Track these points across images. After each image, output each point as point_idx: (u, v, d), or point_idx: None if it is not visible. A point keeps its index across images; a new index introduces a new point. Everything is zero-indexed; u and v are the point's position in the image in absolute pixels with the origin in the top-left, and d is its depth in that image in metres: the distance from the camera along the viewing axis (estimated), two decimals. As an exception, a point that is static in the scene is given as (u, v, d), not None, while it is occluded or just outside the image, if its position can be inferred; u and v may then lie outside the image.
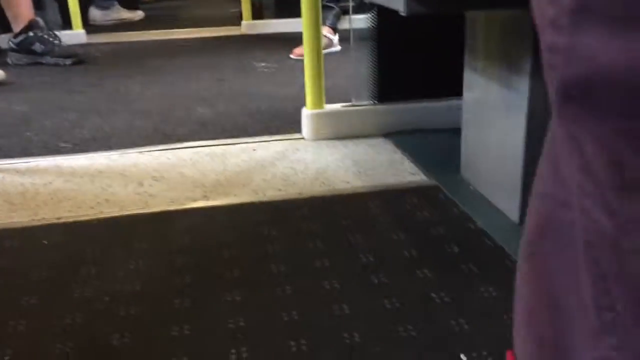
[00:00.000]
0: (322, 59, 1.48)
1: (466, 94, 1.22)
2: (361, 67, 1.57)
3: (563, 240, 0.38)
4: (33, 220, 1.11)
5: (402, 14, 0.91)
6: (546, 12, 0.31)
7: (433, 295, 0.85)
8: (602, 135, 0.30)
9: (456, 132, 1.27)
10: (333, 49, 2.54)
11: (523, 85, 1.01)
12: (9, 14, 2.41)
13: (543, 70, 0.33)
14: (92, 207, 1.15)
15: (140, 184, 1.26)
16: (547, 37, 0.31)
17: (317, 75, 1.48)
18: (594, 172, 0.30)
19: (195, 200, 1.18)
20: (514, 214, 1.06)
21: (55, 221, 1.10)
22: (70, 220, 1.10)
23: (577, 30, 0.29)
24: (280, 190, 1.22)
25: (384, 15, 1.48)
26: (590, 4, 0.28)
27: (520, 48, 1.01)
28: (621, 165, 0.29)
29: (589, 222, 0.32)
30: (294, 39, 2.53)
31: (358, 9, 1.64)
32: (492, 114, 1.12)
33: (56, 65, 2.42)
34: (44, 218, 1.11)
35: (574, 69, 0.30)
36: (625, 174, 0.29)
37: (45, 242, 1.03)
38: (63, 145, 1.50)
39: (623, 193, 0.29)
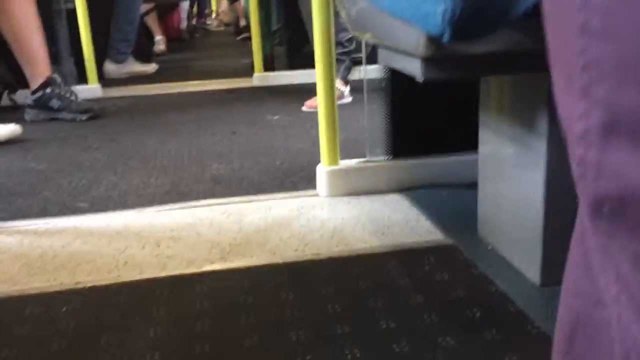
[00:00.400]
0: (336, 116, 1.49)
1: (482, 148, 1.23)
2: (374, 119, 1.59)
3: (598, 340, 0.37)
4: (52, 285, 1.11)
5: (419, 80, 0.92)
6: (575, 126, 0.31)
7: (457, 365, 0.84)
8: (635, 252, 0.29)
9: (473, 187, 1.27)
10: (344, 101, 2.57)
11: (540, 144, 1.01)
12: (26, 71, 2.47)
13: (571, 169, 0.33)
14: (110, 271, 1.15)
15: (158, 245, 1.26)
16: (576, 151, 0.32)
17: (332, 131, 1.50)
18: (631, 288, 0.30)
19: (212, 262, 1.18)
20: (534, 276, 1.05)
21: (74, 286, 1.10)
22: (89, 285, 1.10)
23: (607, 147, 0.29)
24: (296, 250, 1.22)
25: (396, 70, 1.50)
26: (620, 120, 0.29)
27: (535, 108, 1.02)
28: None
29: (627, 335, 0.31)
30: (306, 91, 2.57)
31: (370, 60, 1.66)
32: (508, 170, 1.12)
33: (72, 120, 2.46)
34: (62, 283, 1.11)
35: (605, 185, 0.30)
36: None
37: (65, 309, 1.03)
38: (81, 204, 1.51)
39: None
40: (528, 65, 0.92)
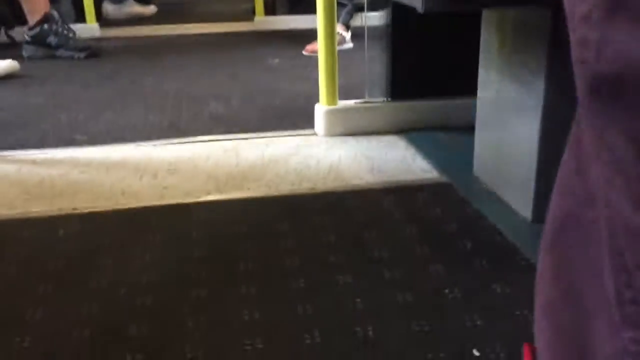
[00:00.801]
0: (336, 56, 1.48)
1: (480, 92, 1.23)
2: (374, 64, 1.58)
3: (585, 237, 0.38)
4: (50, 210, 1.12)
5: (420, 11, 0.91)
6: (578, 6, 0.31)
7: (446, 291, 0.86)
8: (631, 129, 0.30)
9: (470, 130, 1.27)
10: (345, 46, 2.54)
11: (538, 84, 1.01)
12: (25, 7, 2.43)
13: (571, 65, 0.33)
14: (108, 199, 1.17)
15: (155, 177, 1.27)
16: (578, 32, 0.32)
17: (331, 72, 1.49)
18: (623, 165, 0.31)
19: (209, 193, 1.19)
20: (527, 212, 1.06)
21: (72, 212, 1.12)
22: (87, 211, 1.12)
23: (610, 26, 0.30)
24: (293, 184, 1.23)
25: (399, 12, 1.48)
26: (623, 0, 0.29)
27: (535, 47, 1.01)
28: None
29: (615, 214, 0.32)
30: (307, 36, 2.53)
31: (372, 6, 1.64)
32: (506, 113, 1.13)
33: (70, 58, 2.44)
34: (60, 208, 1.13)
35: (605, 64, 0.30)
36: None
37: (62, 232, 1.04)
38: (79, 137, 1.51)
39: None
40: (530, -2, 0.91)
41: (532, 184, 1.05)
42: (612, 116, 0.31)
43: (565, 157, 0.41)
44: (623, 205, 0.31)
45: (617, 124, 0.31)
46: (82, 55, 2.45)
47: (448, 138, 1.45)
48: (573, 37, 0.32)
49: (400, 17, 1.49)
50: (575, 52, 0.32)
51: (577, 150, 0.38)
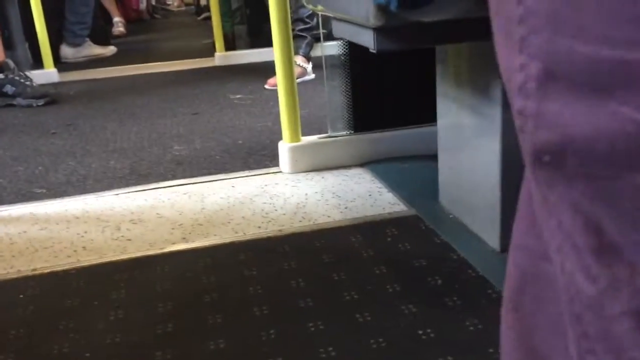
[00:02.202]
0: (296, 93, 1.48)
1: (440, 120, 1.23)
2: (335, 95, 1.58)
3: (545, 294, 0.37)
4: (9, 272, 1.08)
5: (372, 51, 0.91)
6: (514, 77, 0.31)
7: (419, 332, 0.85)
8: (577, 199, 0.29)
9: (433, 158, 1.27)
10: (307, 77, 2.55)
11: (495, 112, 1.02)
12: (-22, 57, 2.39)
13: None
14: (69, 256, 1.13)
15: (118, 229, 1.24)
16: (516, 102, 0.31)
17: (293, 108, 1.48)
18: (572, 236, 0.30)
19: (174, 243, 1.16)
20: (494, 242, 1.06)
21: (32, 273, 1.08)
22: (47, 271, 1.08)
23: (545, 97, 0.29)
24: (260, 227, 1.21)
25: (355, 43, 1.49)
26: (557, 71, 0.29)
27: (489, 77, 1.02)
28: (599, 230, 0.29)
29: (571, 283, 0.32)
30: (268, 69, 2.54)
31: (330, 36, 1.65)
32: (466, 140, 1.13)
33: (29, 106, 2.39)
34: (19, 270, 1.09)
35: (544, 135, 0.30)
36: (603, 238, 0.29)
37: (22, 295, 1.01)
38: (37, 191, 1.47)
39: (603, 257, 0.29)
40: (481, 33, 0.92)
41: (497, 213, 1.05)
42: (557, 186, 0.30)
43: (518, 213, 0.41)
44: (577, 276, 0.31)
45: (562, 194, 0.30)
46: (40, 102, 2.41)
47: (413, 168, 1.45)
48: (512, 106, 0.32)
49: (357, 47, 1.50)
50: (516, 121, 0.32)
51: (529, 207, 0.37)
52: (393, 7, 0.70)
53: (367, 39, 0.92)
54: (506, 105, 1.00)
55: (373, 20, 0.83)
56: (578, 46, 0.27)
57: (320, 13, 1.15)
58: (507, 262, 0.42)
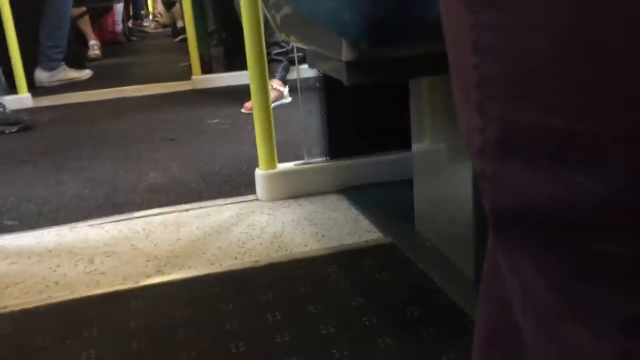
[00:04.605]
0: (272, 120, 1.48)
1: (415, 146, 1.24)
2: (311, 120, 1.58)
3: (515, 347, 0.37)
4: (-23, 311, 1.06)
5: (346, 84, 0.92)
6: (473, 139, 0.31)
7: (395, 366, 0.84)
8: (537, 263, 0.30)
9: (411, 184, 1.28)
10: (284, 101, 2.56)
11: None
12: (-50, 84, 2.36)
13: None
14: (40, 292, 1.11)
15: (91, 262, 1.22)
16: (475, 163, 0.32)
17: (269, 135, 1.48)
18: (535, 298, 0.30)
19: (149, 276, 1.15)
20: (469, 269, 1.06)
21: (2, 310, 1.05)
22: (17, 308, 1.06)
23: (503, 161, 0.30)
24: (236, 258, 1.20)
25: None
26: (514, 137, 0.29)
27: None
28: (562, 292, 0.29)
29: (534, 343, 0.32)
30: (245, 92, 2.53)
31: (305, 60, 1.65)
32: (440, 167, 1.14)
33: (1, 133, 2.36)
34: (-11, 308, 1.06)
35: (502, 198, 0.30)
36: (567, 301, 0.29)
37: (-9, 335, 0.98)
38: (8, 223, 1.45)
39: (566, 320, 0.29)
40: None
41: (471, 240, 1.05)
42: (517, 249, 0.30)
43: (486, 262, 0.41)
44: (540, 338, 0.31)
45: (523, 257, 0.30)
46: (13, 129, 2.38)
47: (390, 194, 1.46)
48: (473, 167, 0.32)
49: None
50: (478, 182, 0.32)
51: (495, 264, 0.38)
52: (363, 45, 0.70)
53: (340, 72, 0.92)
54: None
55: (345, 55, 0.84)
56: (532, 116, 0.27)
57: (292, 43, 1.16)
58: (477, 315, 0.42)
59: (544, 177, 0.28)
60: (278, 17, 1.01)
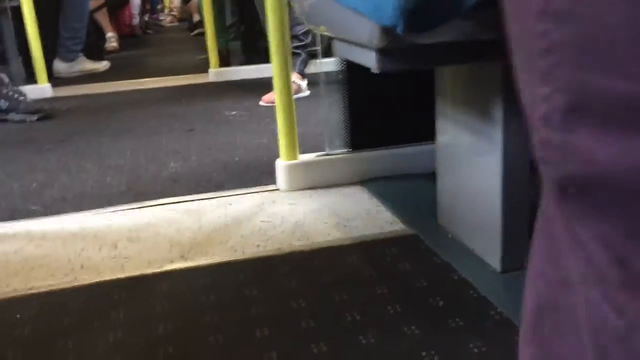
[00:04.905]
0: (294, 112, 1.48)
1: (439, 138, 1.24)
2: (332, 112, 1.59)
3: (563, 325, 0.37)
4: (4, 292, 1.07)
5: (375, 71, 0.92)
6: (538, 108, 0.31)
7: (423, 353, 0.84)
8: (603, 233, 0.29)
9: (432, 177, 1.28)
10: (302, 94, 2.56)
11: (496, 133, 1.02)
12: (-28, 72, 2.38)
13: (536, 162, 0.33)
14: (66, 275, 1.12)
15: (115, 247, 1.23)
16: (539, 133, 0.31)
17: (290, 126, 1.49)
18: (598, 268, 0.30)
19: (172, 261, 1.16)
20: (495, 262, 1.06)
21: (28, 292, 1.07)
22: (44, 290, 1.07)
23: (572, 129, 0.29)
24: (258, 246, 1.21)
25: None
26: (584, 103, 0.29)
27: (489, 96, 1.03)
28: (626, 263, 0.29)
29: (595, 314, 0.31)
30: (263, 85, 2.55)
31: (327, 53, 1.66)
32: (466, 159, 1.14)
33: (22, 122, 2.38)
34: (15, 289, 1.08)
35: (570, 167, 0.30)
36: (631, 272, 0.29)
37: (19, 315, 0.99)
38: (33, 208, 1.46)
39: (630, 290, 0.29)
40: (481, 55, 0.93)
41: (498, 233, 1.05)
42: (582, 218, 0.30)
43: (535, 240, 0.41)
44: (603, 308, 0.31)
45: (589, 227, 0.30)
46: (34, 118, 2.40)
47: (411, 186, 1.45)
48: (534, 137, 0.32)
49: (354, 65, 1.50)
50: (538, 152, 0.32)
51: (548, 238, 0.37)
52: (399, 30, 0.70)
53: (370, 60, 0.92)
54: (507, 126, 1.01)
55: (377, 42, 0.84)
56: (605, 82, 0.27)
57: (319, 33, 1.16)
58: (525, 294, 0.42)
59: (617, 144, 0.27)
60: (306, 5, 1.01)
